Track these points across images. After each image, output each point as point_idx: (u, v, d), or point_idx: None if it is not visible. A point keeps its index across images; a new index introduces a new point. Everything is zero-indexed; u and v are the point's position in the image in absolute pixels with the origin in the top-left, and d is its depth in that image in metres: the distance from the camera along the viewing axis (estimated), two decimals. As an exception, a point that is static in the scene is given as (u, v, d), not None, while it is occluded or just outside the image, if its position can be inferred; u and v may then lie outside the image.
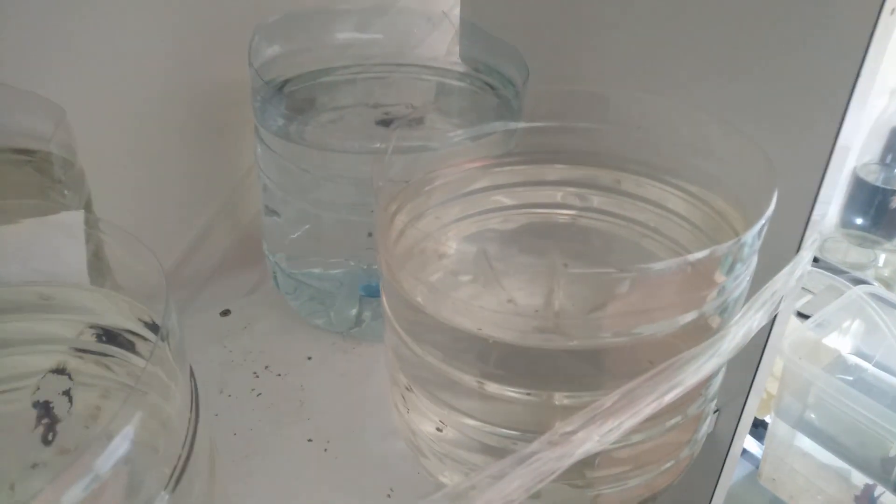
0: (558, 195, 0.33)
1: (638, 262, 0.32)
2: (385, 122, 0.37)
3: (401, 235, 0.28)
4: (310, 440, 0.33)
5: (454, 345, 0.25)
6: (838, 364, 0.53)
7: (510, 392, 0.25)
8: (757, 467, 0.59)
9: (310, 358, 0.38)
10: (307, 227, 0.37)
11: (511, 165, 0.33)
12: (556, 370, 0.25)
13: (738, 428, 0.34)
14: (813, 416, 0.50)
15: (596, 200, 0.33)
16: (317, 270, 0.38)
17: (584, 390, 0.25)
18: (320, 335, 0.39)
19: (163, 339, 0.19)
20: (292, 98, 0.38)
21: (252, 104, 0.37)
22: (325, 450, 0.32)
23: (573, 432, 0.22)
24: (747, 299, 0.25)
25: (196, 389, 0.22)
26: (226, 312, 0.42)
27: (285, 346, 0.39)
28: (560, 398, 0.25)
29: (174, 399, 0.20)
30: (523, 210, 0.33)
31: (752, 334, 0.25)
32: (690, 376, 0.23)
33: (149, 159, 0.40)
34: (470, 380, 0.25)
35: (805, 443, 0.51)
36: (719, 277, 0.24)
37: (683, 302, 0.23)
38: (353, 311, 0.38)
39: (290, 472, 0.31)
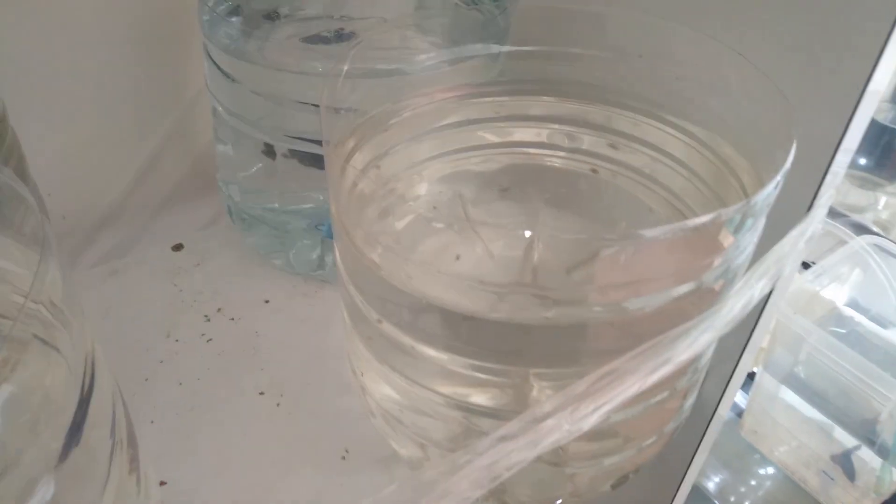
0: (544, 133, 0.29)
1: (630, 215, 0.29)
2: (313, 40, 0.33)
3: (358, 180, 0.24)
4: (262, 393, 0.30)
5: (415, 314, 0.22)
6: (832, 316, 0.51)
7: (478, 370, 0.22)
8: (739, 416, 0.58)
9: (267, 301, 0.35)
10: (260, 165, 0.33)
11: (492, 97, 0.29)
12: (531, 345, 0.22)
13: (728, 390, 0.32)
14: (802, 370, 0.48)
15: (586, 141, 0.29)
16: (273, 206, 0.34)
17: (560, 367, 0.22)
18: (280, 276, 0.36)
19: (35, 302, 0.15)
20: (247, 7, 0.33)
21: (199, 15, 0.32)
22: (278, 404, 0.30)
23: (543, 418, 0.19)
24: (751, 264, 0.22)
25: (94, 351, 0.19)
26: (178, 247, 0.38)
27: (241, 286, 0.36)
28: (534, 376, 0.22)
29: (57, 365, 0.17)
30: (505, 150, 0.29)
31: (753, 304, 0.22)
32: (680, 353, 0.20)
33: (87, 78, 0.36)
34: (432, 353, 0.22)
35: (790, 396, 0.49)
36: (725, 239, 0.20)
37: (680, 271, 0.20)
38: (315, 253, 0.35)
39: (239, 428, 0.29)
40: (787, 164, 0.20)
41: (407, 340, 0.22)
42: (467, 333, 0.22)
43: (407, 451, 0.26)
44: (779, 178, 0.20)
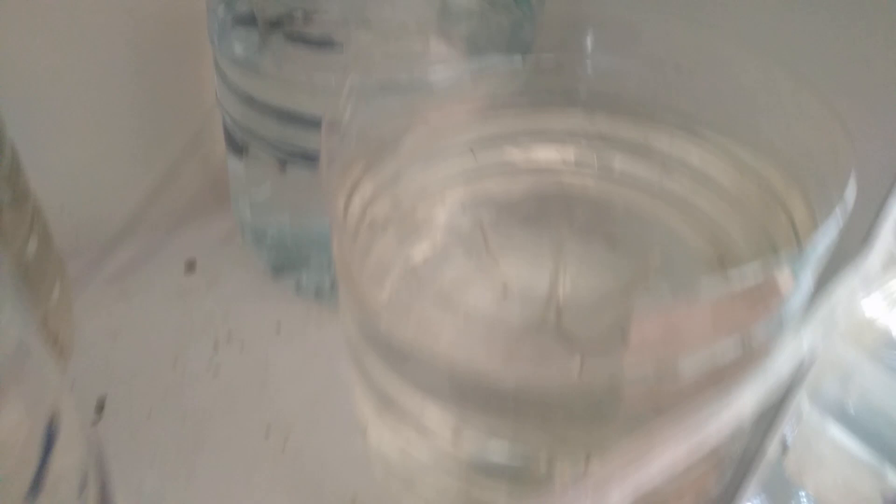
0: (572, 152, 0.27)
1: (665, 246, 0.26)
2: (325, 49, 0.29)
3: (367, 207, 0.22)
4: (267, 433, 0.29)
5: (422, 375, 0.20)
6: (888, 345, 0.46)
7: (491, 432, 0.20)
8: (784, 450, 0.54)
9: (278, 328, 0.33)
10: (270, 181, 0.31)
11: (516, 111, 0.27)
12: (552, 403, 0.20)
13: (773, 428, 0.29)
14: (852, 405, 0.44)
15: (618, 161, 0.26)
16: (284, 224, 0.32)
17: (584, 430, 0.19)
18: (293, 300, 0.34)
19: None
20: (258, 15, 0.32)
21: (208, 24, 0.31)
22: (284, 447, 0.28)
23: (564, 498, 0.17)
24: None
25: (59, 404, 0.17)
26: (191, 266, 0.37)
27: (252, 311, 0.34)
28: (555, 440, 0.20)
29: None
30: (528, 171, 0.27)
31: (807, 360, 0.19)
32: (722, 423, 0.17)
33: (99, 91, 0.35)
34: (437, 411, 0.20)
35: (838, 433, 0.45)
36: (783, 286, 0.17)
37: (725, 328, 0.17)
38: (328, 276, 0.33)
39: (242, 472, 0.27)
40: (849, 203, 0.17)
41: (411, 400, 0.20)
42: (477, 390, 0.20)
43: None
44: (839, 217, 0.17)
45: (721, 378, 0.18)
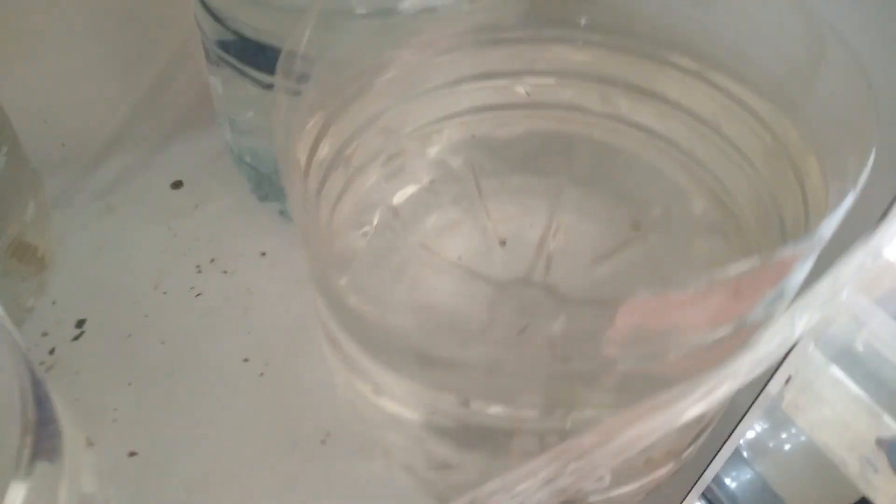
0: (575, 92, 0.25)
1: (667, 198, 0.25)
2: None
3: (336, 159, 0.21)
4: (246, 360, 0.28)
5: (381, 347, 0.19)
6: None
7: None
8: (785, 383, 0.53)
9: (264, 254, 0.32)
10: (246, 104, 0.29)
11: (515, 44, 0.25)
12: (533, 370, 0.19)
13: (761, 395, 0.28)
14: (858, 351, 0.43)
15: (624, 105, 0.24)
16: (264, 148, 0.31)
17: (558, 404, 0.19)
18: (280, 224, 0.33)
19: None
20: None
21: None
22: (262, 374, 0.28)
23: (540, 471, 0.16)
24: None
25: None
26: (177, 184, 0.36)
27: (239, 234, 0.33)
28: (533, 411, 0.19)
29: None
30: (526, 111, 0.25)
31: (793, 342, 0.18)
32: (693, 406, 0.16)
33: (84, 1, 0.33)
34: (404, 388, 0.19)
35: (840, 373, 0.45)
36: (785, 269, 0.16)
37: (720, 316, 0.16)
38: (316, 204, 0.32)
39: (218, 398, 0.27)
40: (864, 176, 0.16)
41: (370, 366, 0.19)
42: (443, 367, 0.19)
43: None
44: (852, 195, 0.15)
45: (705, 356, 0.17)
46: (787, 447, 0.52)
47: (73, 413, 0.26)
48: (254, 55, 0.26)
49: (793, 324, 0.17)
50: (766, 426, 0.56)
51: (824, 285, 0.17)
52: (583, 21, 0.24)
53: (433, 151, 0.25)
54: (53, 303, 0.30)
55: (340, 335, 0.18)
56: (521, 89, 0.25)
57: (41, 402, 0.19)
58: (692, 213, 0.24)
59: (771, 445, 0.53)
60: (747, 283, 0.16)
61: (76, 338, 0.29)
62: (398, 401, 0.18)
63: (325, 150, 0.21)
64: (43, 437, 0.18)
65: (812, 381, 0.48)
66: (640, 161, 0.24)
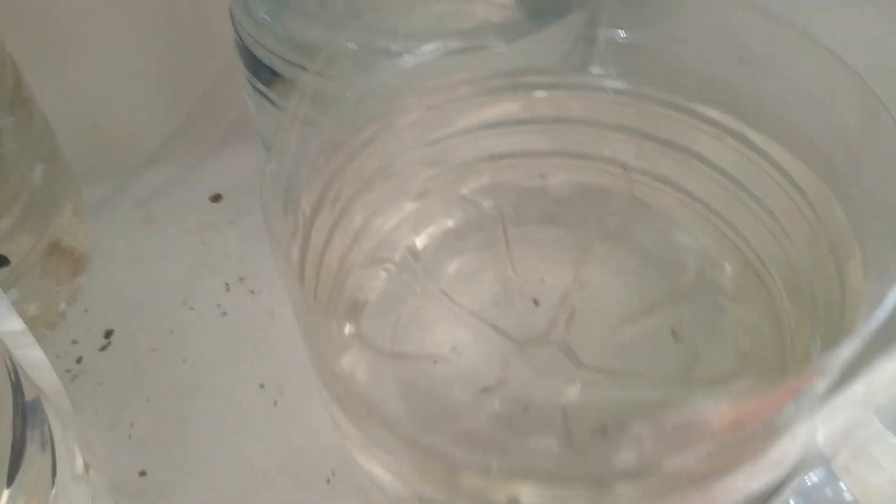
0: (606, 144, 0.24)
1: (700, 262, 0.23)
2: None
3: (350, 200, 0.20)
4: (262, 385, 0.28)
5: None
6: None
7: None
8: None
9: (291, 276, 0.32)
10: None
11: (549, 90, 0.24)
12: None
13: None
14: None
15: (661, 161, 0.23)
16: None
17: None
18: (310, 248, 0.33)
19: None
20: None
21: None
22: (275, 402, 0.28)
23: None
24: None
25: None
26: (216, 197, 0.36)
27: (268, 255, 0.33)
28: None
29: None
30: (560, 160, 0.24)
31: (816, 449, 0.16)
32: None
33: (130, 12, 0.33)
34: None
35: None
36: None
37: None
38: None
39: (232, 422, 0.27)
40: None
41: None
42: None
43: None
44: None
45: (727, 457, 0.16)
46: None
47: (92, 427, 0.27)
48: (280, 86, 0.26)
49: (815, 430, 0.16)
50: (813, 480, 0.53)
51: (855, 392, 0.16)
52: (623, 71, 0.23)
53: (462, 195, 0.25)
54: (85, 310, 0.31)
55: (335, 409, 0.18)
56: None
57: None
58: (723, 279, 0.22)
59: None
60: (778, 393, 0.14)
61: (103, 348, 0.30)
62: (389, 472, 0.18)
63: (342, 187, 0.21)
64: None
65: (868, 445, 0.45)
66: (674, 221, 0.23)
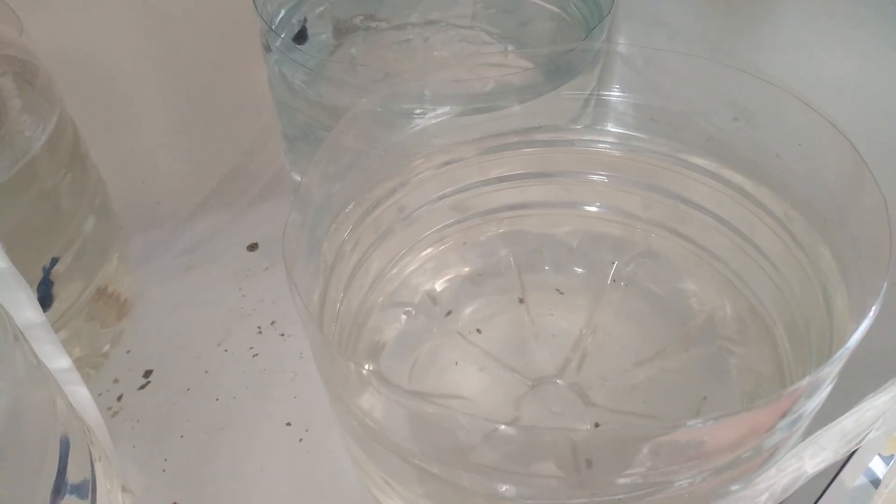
0: (618, 196, 0.25)
1: (705, 310, 0.24)
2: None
3: (372, 246, 0.22)
4: (289, 424, 0.30)
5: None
6: None
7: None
8: (875, 485, 0.49)
9: (320, 321, 0.34)
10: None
11: (563, 146, 0.26)
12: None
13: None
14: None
15: (668, 214, 0.24)
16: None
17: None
18: (339, 294, 0.35)
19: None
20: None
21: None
22: (301, 440, 0.29)
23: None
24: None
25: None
26: (253, 246, 0.38)
27: (299, 300, 0.35)
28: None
29: None
30: (574, 210, 0.26)
31: (808, 477, 0.17)
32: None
33: (182, 68, 0.37)
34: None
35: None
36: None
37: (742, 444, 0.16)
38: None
39: (260, 459, 0.28)
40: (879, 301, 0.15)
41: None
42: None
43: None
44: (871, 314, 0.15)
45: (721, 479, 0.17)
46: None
47: (129, 460, 0.28)
48: (314, 145, 0.28)
49: (802, 461, 0.17)
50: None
51: (846, 425, 0.17)
52: (628, 128, 0.25)
53: (478, 243, 0.26)
54: (128, 352, 0.33)
55: (353, 445, 0.19)
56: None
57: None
58: (728, 323, 0.23)
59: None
60: (769, 412, 0.15)
61: (142, 387, 0.31)
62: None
63: (362, 236, 0.23)
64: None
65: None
66: (683, 269, 0.24)
